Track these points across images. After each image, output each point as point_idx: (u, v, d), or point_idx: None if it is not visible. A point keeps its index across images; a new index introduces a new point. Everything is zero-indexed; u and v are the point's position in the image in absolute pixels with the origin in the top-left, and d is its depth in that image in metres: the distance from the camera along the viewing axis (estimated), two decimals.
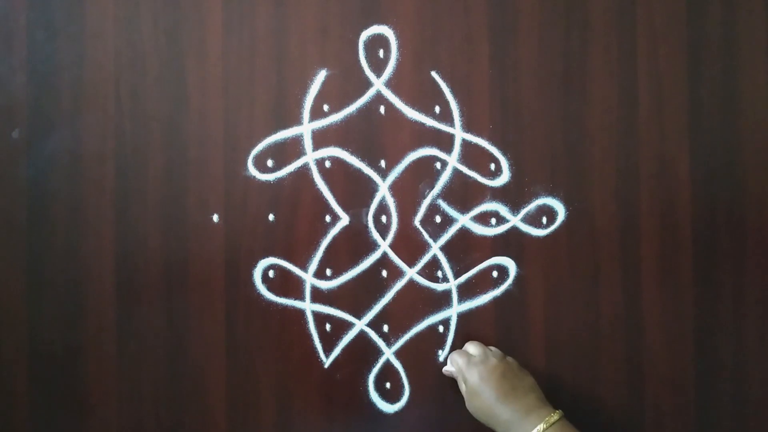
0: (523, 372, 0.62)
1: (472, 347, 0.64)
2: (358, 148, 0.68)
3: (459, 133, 0.67)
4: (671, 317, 0.67)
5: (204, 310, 0.68)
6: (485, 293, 0.68)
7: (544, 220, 0.67)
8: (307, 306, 0.68)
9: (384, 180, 0.68)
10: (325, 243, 0.68)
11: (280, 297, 0.68)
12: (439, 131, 0.67)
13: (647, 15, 0.67)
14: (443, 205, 0.68)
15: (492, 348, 0.65)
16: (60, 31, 0.69)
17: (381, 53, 0.68)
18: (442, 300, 0.68)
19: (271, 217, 0.68)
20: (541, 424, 0.56)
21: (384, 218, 0.68)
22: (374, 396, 0.68)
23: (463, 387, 0.62)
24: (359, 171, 0.68)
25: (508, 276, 0.67)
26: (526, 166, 0.67)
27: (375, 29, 0.68)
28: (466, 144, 0.67)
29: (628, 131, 0.67)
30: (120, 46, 0.68)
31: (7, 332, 0.68)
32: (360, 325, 0.68)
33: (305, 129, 0.68)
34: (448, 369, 0.65)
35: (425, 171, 0.68)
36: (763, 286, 0.66)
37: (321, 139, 0.68)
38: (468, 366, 0.61)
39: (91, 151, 0.68)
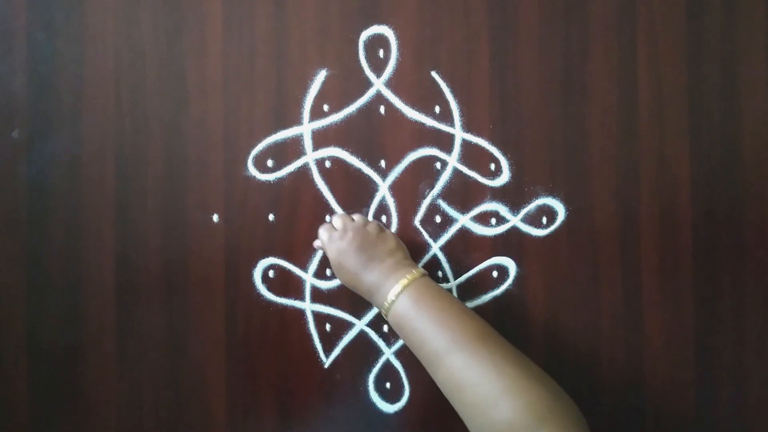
0: (384, 236, 0.61)
1: (336, 219, 0.64)
2: (358, 148, 0.68)
3: (459, 133, 0.67)
4: (671, 317, 0.67)
5: (204, 310, 0.68)
6: (485, 293, 0.68)
7: (544, 220, 0.67)
8: (307, 306, 0.68)
9: (384, 180, 0.68)
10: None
11: (280, 297, 0.68)
12: (439, 131, 0.67)
13: (647, 15, 0.67)
14: (443, 205, 0.68)
15: (355, 216, 0.64)
16: (60, 31, 0.69)
17: (381, 53, 0.68)
18: None
19: (271, 217, 0.68)
20: (403, 280, 0.55)
21: (384, 218, 0.68)
22: (374, 396, 0.68)
23: (332, 255, 0.61)
24: (359, 171, 0.68)
25: (508, 276, 0.67)
26: (526, 166, 0.67)
27: (375, 29, 0.68)
28: (466, 144, 0.67)
29: (628, 131, 0.67)
30: (120, 46, 0.68)
31: (7, 332, 0.69)
32: (360, 325, 0.68)
33: (305, 129, 0.68)
34: (316, 244, 0.65)
35: (425, 171, 0.68)
36: (763, 286, 0.66)
37: (321, 139, 0.68)
38: (329, 242, 0.61)
39: (91, 151, 0.68)
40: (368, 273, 0.58)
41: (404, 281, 0.55)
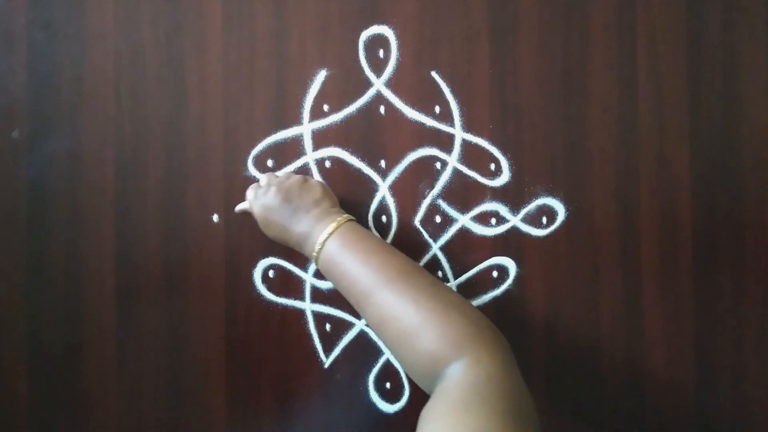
0: (308, 186, 0.61)
1: (262, 178, 0.64)
2: (358, 148, 0.68)
3: (459, 133, 0.67)
4: (671, 317, 0.67)
5: (204, 310, 0.68)
6: (485, 293, 0.68)
7: (544, 220, 0.67)
8: (307, 306, 0.68)
9: (384, 180, 0.68)
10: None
11: (280, 297, 0.68)
12: (439, 131, 0.67)
13: (647, 15, 0.67)
14: (443, 205, 0.68)
15: (278, 174, 0.64)
16: (60, 31, 0.69)
17: (381, 53, 0.68)
18: None
19: None
20: (331, 226, 0.56)
21: (384, 218, 0.68)
22: (374, 396, 0.68)
23: (258, 212, 0.61)
24: (359, 171, 0.68)
25: (508, 276, 0.67)
26: (526, 166, 0.67)
27: (375, 29, 0.68)
28: (466, 144, 0.67)
29: (628, 131, 0.67)
30: (120, 46, 0.68)
31: (7, 332, 0.69)
32: (360, 325, 0.68)
33: (305, 129, 0.68)
34: (239, 207, 0.65)
35: (425, 171, 0.68)
36: (763, 286, 0.66)
37: (321, 139, 0.68)
38: (254, 200, 0.61)
39: (91, 151, 0.68)
40: (296, 224, 0.58)
41: (331, 227, 0.56)
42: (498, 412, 0.41)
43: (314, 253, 0.57)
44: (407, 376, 0.68)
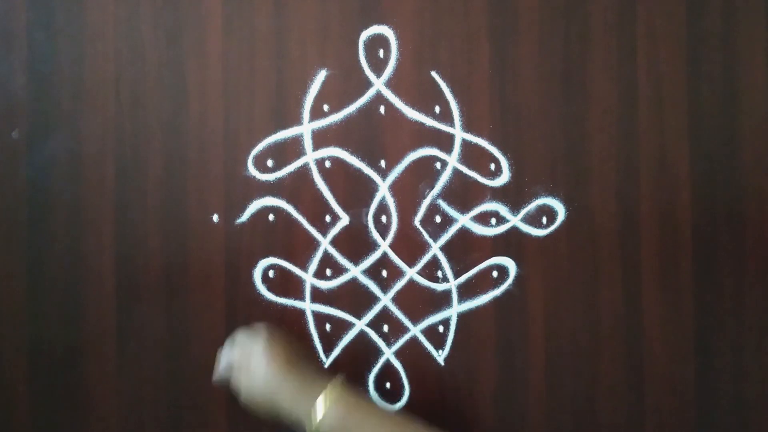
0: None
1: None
2: (358, 148, 0.68)
3: (459, 133, 0.67)
4: (671, 317, 0.67)
5: (204, 310, 0.68)
6: (485, 293, 0.68)
7: (544, 220, 0.67)
8: (307, 306, 0.68)
9: (384, 180, 0.68)
10: (325, 243, 0.68)
11: (280, 297, 0.68)
12: (439, 131, 0.67)
13: (647, 15, 0.67)
14: (443, 205, 0.68)
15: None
16: (60, 31, 0.69)
17: (381, 53, 0.68)
18: (442, 300, 0.68)
19: (271, 217, 0.68)
20: (319, 413, 0.54)
21: (384, 218, 0.68)
22: (374, 396, 0.68)
23: (241, 376, 0.59)
24: (359, 171, 0.68)
25: (508, 276, 0.67)
26: (526, 166, 0.67)
27: (375, 29, 0.67)
28: (466, 144, 0.67)
29: (628, 131, 0.67)
30: (120, 46, 0.68)
31: (7, 332, 0.69)
32: (360, 325, 0.68)
33: (305, 129, 0.68)
34: (221, 371, 0.62)
35: (425, 171, 0.68)
36: (763, 286, 0.66)
37: (321, 139, 0.68)
38: (244, 353, 0.59)
39: (91, 151, 0.68)
40: (275, 401, 0.56)
41: (328, 394, 0.55)
42: None
43: (314, 421, 0.55)
44: (407, 376, 0.68)
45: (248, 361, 0.58)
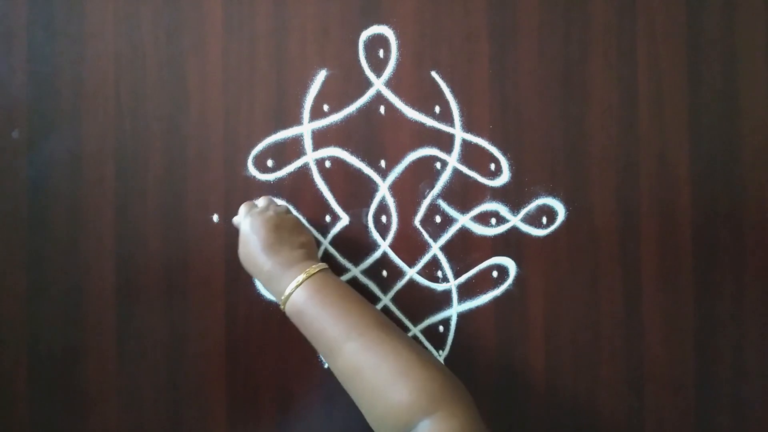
0: (301, 229, 0.61)
1: (260, 199, 0.64)
2: (358, 148, 0.68)
3: (459, 133, 0.67)
4: (671, 317, 0.67)
5: (204, 310, 0.68)
6: (485, 293, 0.68)
7: (544, 220, 0.67)
8: None
9: (384, 180, 0.68)
10: (325, 243, 0.68)
11: None
12: (439, 131, 0.67)
13: (647, 15, 0.67)
14: (443, 205, 0.68)
15: (281, 203, 0.64)
16: (60, 31, 0.69)
17: (381, 53, 0.68)
18: (442, 300, 0.68)
19: None
20: (302, 275, 0.55)
21: (384, 218, 0.68)
22: None
23: (240, 238, 0.61)
24: (359, 171, 0.68)
25: (508, 276, 0.67)
26: (526, 166, 0.67)
27: (375, 29, 0.68)
28: (466, 144, 0.67)
29: (628, 131, 0.67)
30: (120, 46, 0.68)
31: (7, 332, 0.69)
32: None
33: (305, 129, 0.68)
34: (235, 220, 0.64)
35: (425, 171, 0.68)
36: (763, 286, 0.66)
37: (321, 139, 0.68)
38: (246, 215, 0.61)
39: (91, 151, 0.68)
40: (272, 255, 0.57)
41: (308, 271, 0.55)
42: None
43: (282, 297, 0.55)
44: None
45: (243, 226, 0.60)
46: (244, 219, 0.60)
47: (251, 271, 0.59)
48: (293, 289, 0.55)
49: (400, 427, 0.47)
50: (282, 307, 0.56)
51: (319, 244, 0.68)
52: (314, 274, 0.55)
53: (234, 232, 0.68)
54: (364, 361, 0.50)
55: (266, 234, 0.58)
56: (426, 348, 0.52)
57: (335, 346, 0.52)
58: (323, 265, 0.57)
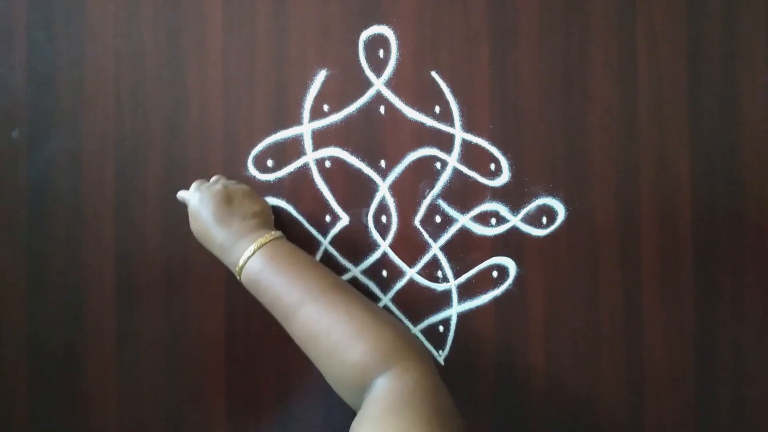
0: (254, 199, 0.61)
1: (213, 177, 0.64)
2: (358, 148, 0.68)
3: (459, 133, 0.67)
4: (671, 317, 0.67)
5: (204, 310, 0.68)
6: (485, 293, 0.68)
7: (544, 220, 0.67)
8: None
9: (384, 180, 0.68)
10: (325, 243, 0.68)
11: None
12: (439, 131, 0.67)
13: (647, 15, 0.67)
14: (443, 205, 0.68)
15: (233, 182, 0.63)
16: (60, 31, 0.69)
17: (381, 53, 0.68)
18: (442, 300, 0.68)
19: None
20: (253, 245, 0.55)
21: (384, 218, 0.68)
22: None
23: (189, 210, 0.61)
24: (359, 171, 0.68)
25: (508, 276, 0.67)
26: (526, 166, 0.67)
27: (375, 29, 0.68)
28: (466, 144, 0.67)
29: (628, 131, 0.67)
30: (120, 46, 0.68)
31: (7, 332, 0.69)
32: None
33: (305, 129, 0.68)
34: (180, 194, 0.64)
35: (425, 171, 0.68)
36: (763, 286, 0.66)
37: (321, 139, 0.68)
38: (194, 190, 0.61)
39: (91, 151, 0.68)
40: (224, 227, 0.57)
41: (260, 241, 0.55)
42: (424, 415, 0.44)
43: (237, 268, 0.56)
44: None
45: (193, 198, 0.60)
46: (192, 193, 0.60)
47: (206, 245, 0.59)
48: (246, 259, 0.55)
49: (357, 386, 0.48)
50: (238, 278, 0.56)
51: (319, 244, 0.68)
52: (267, 243, 0.56)
53: None
54: (318, 324, 0.51)
55: (215, 206, 0.58)
56: (382, 309, 0.52)
57: (290, 312, 0.52)
58: (277, 233, 0.57)
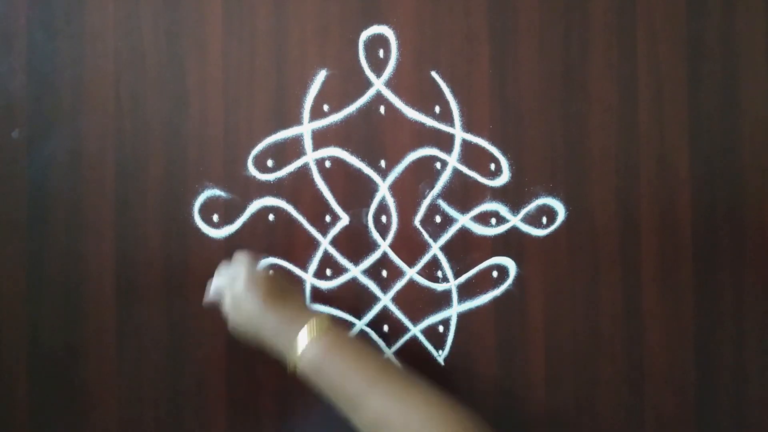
0: (290, 277, 0.64)
1: (233, 262, 0.61)
2: (358, 148, 0.68)
3: (459, 133, 0.67)
4: (671, 317, 0.67)
5: (204, 310, 0.68)
6: (485, 293, 0.68)
7: (544, 220, 0.67)
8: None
9: (384, 180, 0.68)
10: (325, 243, 0.68)
11: None
12: (439, 131, 0.67)
13: (647, 15, 0.67)
14: (443, 205, 0.68)
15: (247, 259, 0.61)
16: (60, 31, 0.69)
17: (381, 53, 0.68)
18: (442, 300, 0.68)
19: (271, 217, 0.68)
20: (310, 328, 0.53)
21: (384, 218, 0.68)
22: None
23: (228, 302, 0.58)
24: (359, 171, 0.68)
25: (508, 276, 0.67)
26: (526, 166, 0.67)
27: (375, 29, 0.68)
28: (466, 144, 0.67)
29: (628, 131, 0.67)
30: (120, 46, 0.68)
31: (7, 332, 0.69)
32: (360, 325, 0.68)
33: (305, 129, 0.68)
34: (210, 295, 0.61)
35: (425, 171, 0.68)
36: (763, 286, 0.66)
37: (321, 139, 0.68)
38: (232, 279, 0.58)
39: (91, 151, 0.68)
40: (280, 309, 0.56)
41: (314, 327, 0.54)
42: None
43: (296, 354, 0.54)
44: None
45: (232, 288, 0.57)
46: (233, 283, 0.57)
47: (252, 335, 0.57)
48: (307, 344, 0.53)
49: None
50: (293, 364, 0.54)
51: (319, 244, 0.68)
52: (324, 326, 0.54)
53: (234, 232, 0.68)
54: (392, 412, 0.50)
55: (267, 289, 0.56)
56: (438, 391, 0.53)
57: (357, 399, 0.51)
58: (327, 314, 0.57)
